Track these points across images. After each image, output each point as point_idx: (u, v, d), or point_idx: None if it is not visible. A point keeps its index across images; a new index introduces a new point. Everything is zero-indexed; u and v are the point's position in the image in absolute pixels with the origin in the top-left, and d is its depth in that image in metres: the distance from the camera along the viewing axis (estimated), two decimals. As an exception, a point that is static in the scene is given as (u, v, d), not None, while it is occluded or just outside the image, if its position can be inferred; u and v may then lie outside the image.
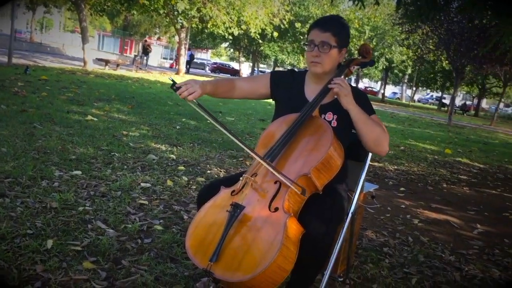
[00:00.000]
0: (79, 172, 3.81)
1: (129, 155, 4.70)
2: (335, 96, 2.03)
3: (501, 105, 36.91)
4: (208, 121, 8.06)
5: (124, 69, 22.63)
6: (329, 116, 2.08)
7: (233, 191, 1.89)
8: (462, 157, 9.19)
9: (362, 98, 2.12)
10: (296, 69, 2.40)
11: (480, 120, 34.85)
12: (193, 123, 7.64)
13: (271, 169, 1.78)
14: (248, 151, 1.84)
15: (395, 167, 6.74)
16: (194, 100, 1.85)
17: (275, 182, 1.82)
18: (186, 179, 4.17)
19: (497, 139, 16.56)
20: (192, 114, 8.57)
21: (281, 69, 48.70)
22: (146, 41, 28.34)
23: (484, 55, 16.51)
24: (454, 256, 3.26)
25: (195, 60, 43.04)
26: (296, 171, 1.84)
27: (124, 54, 40.69)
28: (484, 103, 56.12)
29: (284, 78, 2.25)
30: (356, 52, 2.33)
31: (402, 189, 5.31)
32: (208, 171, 4.61)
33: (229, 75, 44.65)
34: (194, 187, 4.01)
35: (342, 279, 2.59)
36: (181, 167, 4.54)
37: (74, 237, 2.62)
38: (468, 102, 52.64)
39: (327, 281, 2.05)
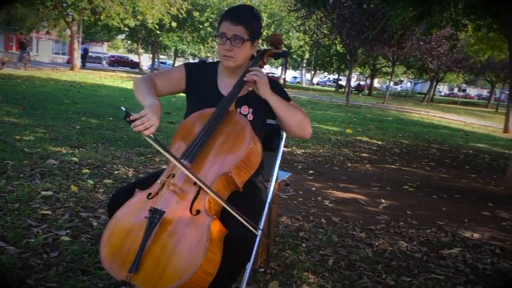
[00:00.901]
0: (-33, 187, 3.43)
1: (25, 162, 4.32)
2: (250, 89, 2.00)
3: (391, 83, 39.63)
4: (111, 119, 7.74)
5: (11, 67, 20.84)
6: (245, 109, 2.04)
7: (150, 194, 1.78)
8: (362, 136, 9.73)
9: (276, 86, 2.11)
10: (205, 60, 2.32)
11: (374, 98, 37.12)
12: (94, 121, 7.24)
13: (190, 175, 1.69)
14: (180, 166, 1.71)
15: (303, 150, 6.94)
16: (151, 135, 1.66)
17: (195, 184, 1.74)
18: (92, 182, 3.93)
19: (390, 116, 17.76)
20: (93, 112, 8.13)
21: (182, 59, 47.99)
22: (22, 33, 26.20)
23: (373, 38, 17.59)
24: (364, 233, 3.42)
25: (90, 54, 40.93)
26: (216, 170, 1.77)
27: (10, 51, 37.48)
28: (376, 83, 59.95)
29: (198, 71, 2.15)
30: (269, 42, 2.29)
31: (311, 171, 5.47)
32: (116, 172, 4.38)
33: (129, 68, 43.11)
34: (102, 190, 3.79)
35: (263, 270, 2.60)
36: (86, 170, 4.27)
37: (-33, 260, 2.34)
38: (362, 82, 55.89)
39: (250, 275, 2.03)
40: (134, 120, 1.61)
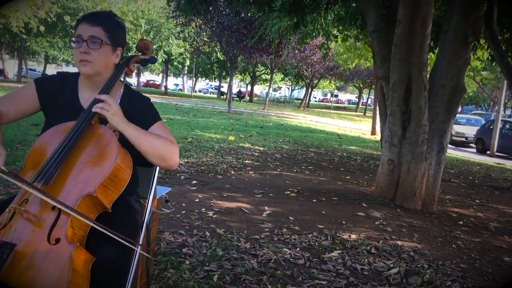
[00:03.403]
0: None
1: None
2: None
3: (271, 90, 41.15)
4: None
5: None
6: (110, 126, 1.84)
7: None
8: (244, 143, 9.84)
9: (144, 105, 1.94)
10: (65, 71, 2.07)
11: (254, 105, 38.16)
12: None
13: (45, 198, 1.48)
14: (16, 182, 1.48)
15: (185, 160, 6.78)
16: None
17: (54, 208, 1.52)
18: None
19: (271, 122, 18.33)
20: None
21: (54, 66, 44.84)
22: None
23: (252, 46, 18.06)
24: (249, 243, 3.38)
25: None
26: (78, 192, 1.56)
27: None
28: (256, 89, 61.77)
29: (53, 85, 1.89)
30: (135, 47, 2.12)
31: (194, 182, 5.34)
32: (-30, 195, 3.84)
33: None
34: (-49, 218, 3.27)
35: (143, 294, 2.41)
36: None
37: None
38: (242, 89, 57.22)
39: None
40: None
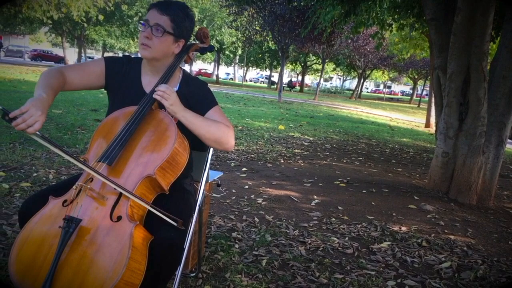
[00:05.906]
0: None
1: None
2: (174, 89, 1.87)
3: (322, 80, 40.73)
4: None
5: None
6: None
7: (65, 201, 1.62)
8: (294, 132, 9.83)
9: (202, 91, 1.99)
10: (129, 55, 2.16)
11: (305, 95, 37.90)
12: (12, 119, 6.73)
13: (108, 182, 1.56)
14: (89, 170, 1.57)
15: (236, 147, 6.87)
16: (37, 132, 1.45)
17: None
18: (7, 186, 3.62)
19: (321, 112, 18.16)
20: (11, 109, 7.56)
21: (111, 54, 46.30)
22: None
23: (304, 35, 17.92)
24: (297, 231, 3.41)
25: (10, 47, 38.51)
26: (139, 173, 1.65)
27: None
28: (307, 79, 61.30)
29: (120, 66, 1.98)
30: (194, 36, 2.17)
31: (244, 169, 5.41)
32: (35, 174, 4.07)
33: (53, 63, 40.93)
34: (18, 194, 3.49)
35: (194, 274, 2.49)
36: (0, 173, 3.94)
37: None
38: (293, 79, 56.95)
39: (180, 280, 1.93)
40: (14, 118, 1.43)
